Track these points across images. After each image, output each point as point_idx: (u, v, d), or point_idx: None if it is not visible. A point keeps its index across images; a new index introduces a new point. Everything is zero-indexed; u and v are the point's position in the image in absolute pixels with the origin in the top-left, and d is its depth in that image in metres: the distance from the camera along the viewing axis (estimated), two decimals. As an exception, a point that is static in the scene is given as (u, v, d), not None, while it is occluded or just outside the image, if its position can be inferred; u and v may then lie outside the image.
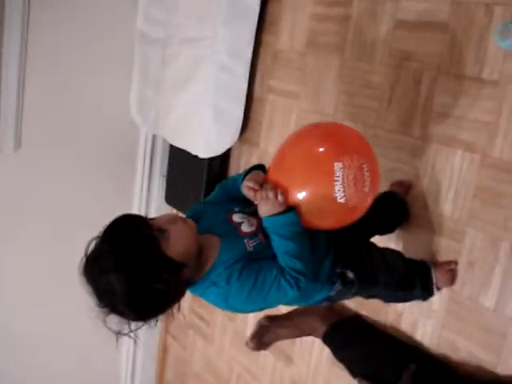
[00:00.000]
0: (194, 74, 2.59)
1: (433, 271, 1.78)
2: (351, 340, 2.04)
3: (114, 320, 1.25)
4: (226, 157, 2.73)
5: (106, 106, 2.85)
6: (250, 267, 1.27)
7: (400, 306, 1.94)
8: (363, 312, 2.08)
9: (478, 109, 1.71)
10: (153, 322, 1.29)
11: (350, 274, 1.48)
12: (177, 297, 1.28)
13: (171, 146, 2.97)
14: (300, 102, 2.34)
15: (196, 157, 2.65)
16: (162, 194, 3.13)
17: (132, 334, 1.28)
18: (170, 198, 3.07)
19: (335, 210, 1.27)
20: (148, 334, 3.19)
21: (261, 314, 2.14)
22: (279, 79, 2.47)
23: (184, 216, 1.42)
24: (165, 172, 3.10)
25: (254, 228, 1.36)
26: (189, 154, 2.69)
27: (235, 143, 2.61)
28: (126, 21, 2.79)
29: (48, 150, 2.69)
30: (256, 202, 1.31)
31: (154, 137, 3.06)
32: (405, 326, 1.94)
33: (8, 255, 2.70)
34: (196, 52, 2.57)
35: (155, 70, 2.82)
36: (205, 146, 2.59)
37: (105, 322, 1.24)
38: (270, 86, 2.51)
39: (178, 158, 2.94)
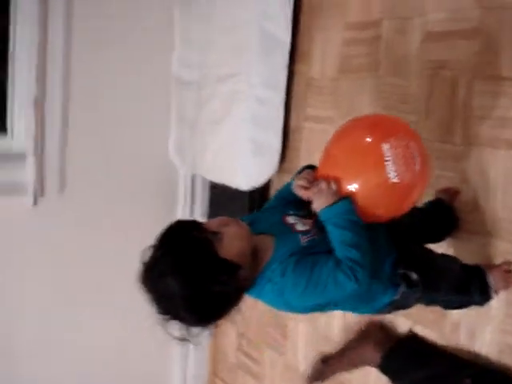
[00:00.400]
0: (230, 110, 2.67)
1: (488, 275, 1.74)
2: (407, 367, 1.99)
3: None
4: (266, 189, 2.74)
5: (146, 149, 2.93)
6: (306, 260, 1.27)
7: (456, 315, 1.89)
8: (418, 326, 2.03)
9: (518, 107, 1.72)
10: (212, 327, 1.29)
11: (414, 276, 1.46)
12: (235, 299, 1.27)
13: (211, 185, 3.02)
14: (336, 124, 2.36)
15: (236, 190, 2.68)
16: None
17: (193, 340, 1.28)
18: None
19: (390, 192, 1.27)
20: (196, 377, 3.18)
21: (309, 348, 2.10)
22: (314, 107, 2.52)
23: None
24: (205, 212, 3.13)
25: (308, 227, 1.37)
26: (229, 189, 2.73)
27: (275, 174, 2.64)
28: (163, 65, 2.90)
29: (90, 193, 2.76)
30: (309, 198, 1.33)
31: (193, 177, 3.12)
32: (463, 336, 1.89)
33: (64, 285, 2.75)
34: (231, 88, 2.65)
35: (192, 112, 2.90)
36: (245, 179, 2.63)
37: (166, 328, 1.25)
38: (305, 115, 2.56)
39: (218, 195, 2.98)
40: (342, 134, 1.39)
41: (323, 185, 1.28)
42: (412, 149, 1.28)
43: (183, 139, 2.97)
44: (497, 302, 1.77)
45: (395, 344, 2.05)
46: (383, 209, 1.32)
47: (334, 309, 1.46)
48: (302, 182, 1.35)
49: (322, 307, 1.41)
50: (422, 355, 1.97)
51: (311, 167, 1.42)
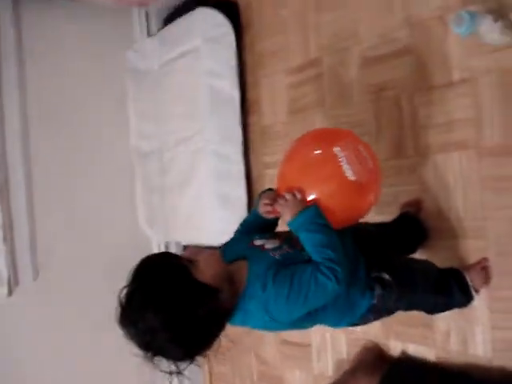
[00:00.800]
0: (192, 170, 2.71)
1: (466, 275, 1.75)
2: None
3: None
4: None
5: (116, 223, 2.93)
6: (284, 271, 1.27)
7: (444, 324, 1.89)
8: (410, 345, 2.01)
9: (459, 108, 1.80)
10: (199, 359, 1.26)
11: (387, 276, 1.47)
12: (218, 324, 1.25)
13: (184, 248, 3.01)
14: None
15: (210, 247, 2.68)
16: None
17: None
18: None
19: (351, 191, 1.31)
20: None
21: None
22: (271, 153, 2.58)
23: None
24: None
25: (277, 244, 1.38)
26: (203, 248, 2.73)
27: (244, 224, 2.66)
28: (121, 138, 2.96)
29: (65, 274, 2.72)
30: (276, 214, 1.38)
31: (166, 243, 3.11)
32: (455, 343, 1.87)
33: None
34: (190, 149, 2.71)
35: (157, 180, 2.94)
36: (215, 234, 2.63)
37: (153, 365, 1.21)
38: (264, 162, 2.62)
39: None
40: (292, 153, 1.43)
41: (288, 196, 1.32)
42: (361, 150, 1.34)
43: (152, 209, 2.99)
44: (479, 301, 1.77)
45: (387, 370, 2.01)
46: (348, 209, 1.35)
47: (319, 321, 1.44)
48: (266, 201, 1.39)
49: (308, 320, 1.39)
50: (415, 376, 1.95)
51: (270, 189, 1.46)
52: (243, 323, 1.36)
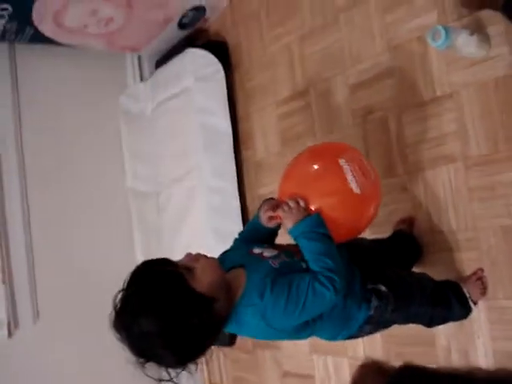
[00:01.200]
0: (188, 207, 2.74)
1: (463, 286, 1.75)
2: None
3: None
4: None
5: (113, 265, 2.91)
6: (281, 279, 1.27)
7: (444, 340, 1.88)
8: (412, 361, 1.98)
9: (445, 123, 1.85)
10: (192, 367, 1.25)
11: (383, 287, 1.47)
12: (212, 333, 1.24)
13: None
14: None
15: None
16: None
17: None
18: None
19: (354, 202, 1.33)
20: None
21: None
22: (267, 185, 2.61)
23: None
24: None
25: (275, 252, 1.39)
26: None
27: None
28: (117, 180, 3.00)
29: (65, 316, 2.70)
30: (278, 221, 1.39)
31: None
32: (457, 357, 1.85)
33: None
34: (185, 186, 2.75)
35: (153, 220, 2.96)
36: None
37: (144, 371, 1.20)
38: (259, 195, 2.65)
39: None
40: (293, 167, 1.45)
41: (292, 203, 1.33)
42: (364, 163, 1.37)
43: (150, 249, 2.99)
44: (478, 313, 1.77)
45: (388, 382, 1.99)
46: (348, 222, 1.36)
47: (316, 331, 1.43)
48: (269, 207, 1.40)
49: (305, 329, 1.38)
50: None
51: (272, 198, 1.46)
52: (238, 331, 1.35)
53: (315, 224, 1.31)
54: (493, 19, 1.66)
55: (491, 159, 1.72)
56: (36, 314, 2.65)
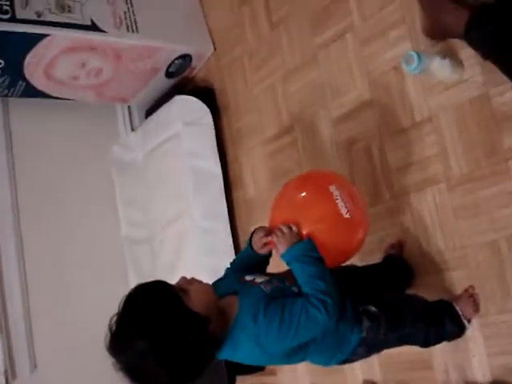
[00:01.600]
0: (181, 250, 2.76)
1: (455, 305, 1.76)
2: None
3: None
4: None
5: (113, 311, 2.92)
6: (274, 303, 1.30)
7: (441, 362, 1.87)
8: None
9: (426, 146, 1.91)
10: None
11: (373, 308, 1.50)
12: (207, 352, 1.27)
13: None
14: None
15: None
16: None
17: None
18: None
19: (344, 228, 1.39)
20: None
21: None
22: (258, 223, 2.59)
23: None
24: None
25: (267, 278, 1.43)
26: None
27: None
28: (112, 230, 3.03)
29: (62, 367, 2.68)
30: (271, 247, 1.44)
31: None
32: (456, 378, 1.84)
33: None
34: (177, 229, 2.77)
35: (148, 265, 2.97)
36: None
37: None
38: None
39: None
40: (283, 194, 1.51)
41: (285, 228, 1.38)
42: (353, 189, 1.46)
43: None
44: (471, 332, 1.77)
45: None
46: (338, 247, 1.41)
47: (309, 355, 1.43)
48: (262, 234, 1.44)
49: (298, 353, 1.39)
50: None
51: (262, 227, 1.50)
52: (232, 357, 1.36)
53: (308, 248, 1.36)
54: (463, 44, 1.73)
55: (473, 177, 1.77)
56: (33, 364, 2.62)
